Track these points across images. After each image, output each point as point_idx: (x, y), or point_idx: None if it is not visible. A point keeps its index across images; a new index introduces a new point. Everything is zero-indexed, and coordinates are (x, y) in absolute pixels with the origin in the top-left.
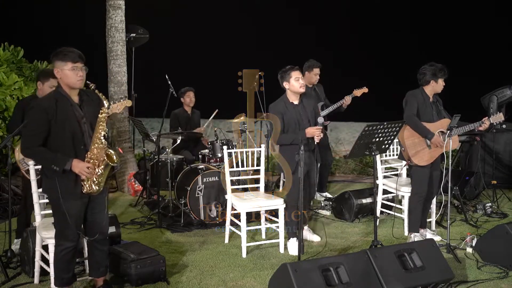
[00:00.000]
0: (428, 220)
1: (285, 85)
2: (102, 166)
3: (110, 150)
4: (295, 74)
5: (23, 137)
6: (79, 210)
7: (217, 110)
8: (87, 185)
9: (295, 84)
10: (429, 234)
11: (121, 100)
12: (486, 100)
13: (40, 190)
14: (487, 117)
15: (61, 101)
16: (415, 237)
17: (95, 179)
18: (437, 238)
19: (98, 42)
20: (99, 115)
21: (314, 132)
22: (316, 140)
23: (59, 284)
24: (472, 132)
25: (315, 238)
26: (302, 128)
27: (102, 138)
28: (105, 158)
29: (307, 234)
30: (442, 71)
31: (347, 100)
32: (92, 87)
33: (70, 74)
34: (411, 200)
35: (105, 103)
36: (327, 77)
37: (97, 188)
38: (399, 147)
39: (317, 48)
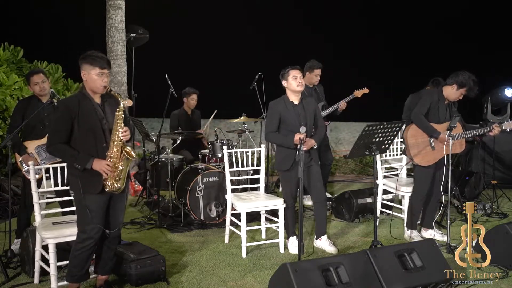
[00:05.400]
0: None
1: (284, 83)
2: (122, 162)
3: (128, 147)
4: (293, 73)
5: (49, 135)
6: (100, 206)
7: (216, 111)
8: (109, 183)
9: (293, 82)
10: (438, 235)
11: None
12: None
13: (40, 190)
14: (496, 124)
15: (84, 101)
16: (412, 233)
17: (117, 176)
18: (445, 239)
19: (98, 42)
20: (116, 113)
21: (297, 140)
22: (304, 148)
23: (71, 280)
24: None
25: (333, 250)
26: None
27: (120, 135)
28: (125, 154)
29: (325, 244)
30: (472, 87)
31: (342, 105)
32: (109, 89)
33: (96, 79)
34: (411, 198)
35: (121, 102)
36: (328, 77)
37: (119, 185)
38: (403, 145)
39: (318, 47)
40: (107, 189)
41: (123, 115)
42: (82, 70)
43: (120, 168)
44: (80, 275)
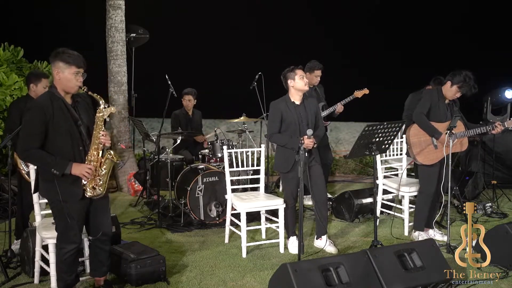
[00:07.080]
0: None
1: (290, 83)
2: (105, 166)
3: (110, 151)
4: (300, 72)
5: (21, 139)
6: (80, 212)
7: (216, 129)
8: (89, 188)
9: (300, 82)
10: (438, 235)
11: (106, 107)
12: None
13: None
14: (499, 122)
15: (56, 102)
16: (420, 235)
17: (98, 180)
18: (445, 239)
19: (98, 42)
20: (97, 115)
21: (307, 144)
22: (307, 147)
23: (62, 286)
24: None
25: (333, 250)
26: (301, 129)
27: (100, 137)
28: (108, 156)
29: (325, 244)
30: (467, 85)
31: (339, 108)
32: (84, 89)
33: (71, 78)
34: (418, 198)
35: (101, 103)
36: (328, 77)
37: (101, 190)
38: (406, 144)
39: (318, 47)
40: (88, 194)
41: (104, 116)
42: (55, 68)
43: (103, 171)
44: (72, 279)
